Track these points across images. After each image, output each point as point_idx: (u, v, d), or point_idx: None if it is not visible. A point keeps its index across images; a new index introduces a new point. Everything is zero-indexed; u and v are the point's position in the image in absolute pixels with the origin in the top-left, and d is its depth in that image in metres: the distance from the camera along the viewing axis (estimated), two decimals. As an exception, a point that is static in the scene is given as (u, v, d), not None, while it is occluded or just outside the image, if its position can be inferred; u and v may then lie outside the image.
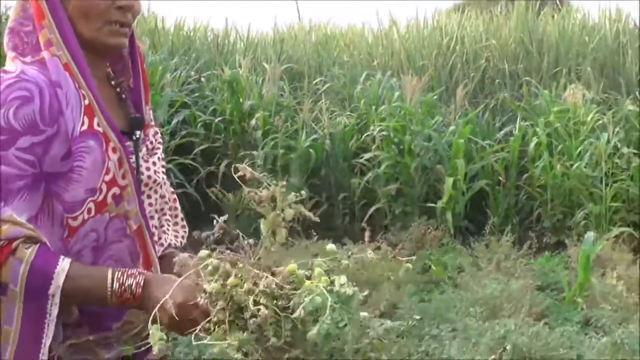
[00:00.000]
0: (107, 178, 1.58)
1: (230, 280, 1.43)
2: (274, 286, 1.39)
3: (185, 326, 1.48)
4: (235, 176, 1.50)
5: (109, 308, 1.58)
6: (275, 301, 1.39)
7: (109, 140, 1.59)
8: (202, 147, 7.40)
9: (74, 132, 1.54)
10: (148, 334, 1.50)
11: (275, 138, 7.11)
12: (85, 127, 1.56)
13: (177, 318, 1.46)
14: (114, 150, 1.60)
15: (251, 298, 1.39)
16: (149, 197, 1.76)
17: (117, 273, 1.55)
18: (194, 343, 1.45)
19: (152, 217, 1.77)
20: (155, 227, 1.81)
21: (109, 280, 1.54)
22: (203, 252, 1.52)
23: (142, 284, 1.54)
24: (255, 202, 1.49)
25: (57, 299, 1.51)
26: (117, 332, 1.66)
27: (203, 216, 6.36)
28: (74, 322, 1.61)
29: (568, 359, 3.84)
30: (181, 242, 1.90)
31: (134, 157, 1.69)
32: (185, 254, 1.58)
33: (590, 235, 5.14)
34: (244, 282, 1.42)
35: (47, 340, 1.52)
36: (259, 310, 1.38)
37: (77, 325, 1.62)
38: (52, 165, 1.54)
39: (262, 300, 1.39)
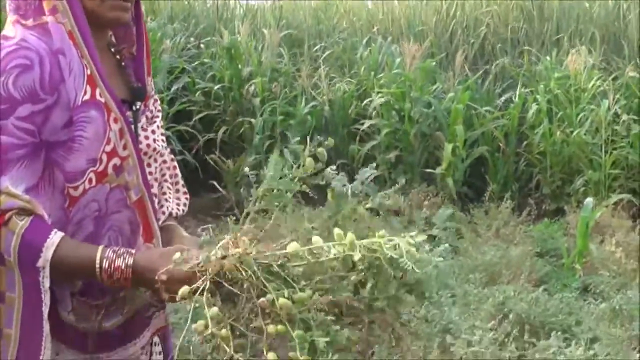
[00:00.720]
0: (108, 148, 1.57)
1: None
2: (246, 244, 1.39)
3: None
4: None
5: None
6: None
7: (111, 110, 1.57)
8: (200, 114, 7.35)
9: (75, 101, 1.52)
10: (150, 303, 1.54)
11: (274, 105, 7.06)
12: (87, 97, 1.54)
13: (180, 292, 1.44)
14: (115, 120, 1.58)
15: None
16: (148, 165, 1.76)
17: (106, 252, 1.53)
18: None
19: (152, 186, 1.76)
20: (156, 195, 1.80)
21: (98, 259, 1.52)
22: (205, 238, 1.56)
23: (130, 264, 1.52)
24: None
25: (47, 272, 1.50)
26: (119, 300, 1.65)
27: (202, 183, 6.34)
28: (78, 290, 1.61)
29: (566, 324, 3.86)
30: (183, 210, 1.89)
31: (133, 127, 1.67)
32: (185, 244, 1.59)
33: (589, 201, 5.13)
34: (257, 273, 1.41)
35: (45, 309, 1.51)
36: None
37: (82, 293, 1.62)
38: (53, 133, 1.52)
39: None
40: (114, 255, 1.52)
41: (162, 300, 1.55)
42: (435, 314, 3.93)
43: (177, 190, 1.93)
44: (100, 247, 1.54)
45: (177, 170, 1.95)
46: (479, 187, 6.49)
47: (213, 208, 6.44)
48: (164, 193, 1.87)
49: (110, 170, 1.58)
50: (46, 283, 1.50)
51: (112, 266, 1.51)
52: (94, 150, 1.55)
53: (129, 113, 1.67)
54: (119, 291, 1.64)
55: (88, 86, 1.54)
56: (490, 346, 3.50)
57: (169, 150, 1.90)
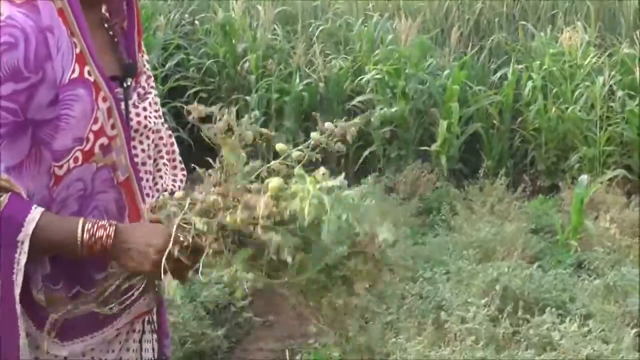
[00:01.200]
0: (95, 127, 1.55)
1: (214, 200, 1.44)
2: (270, 205, 1.38)
3: (173, 268, 1.46)
4: (189, 118, 1.51)
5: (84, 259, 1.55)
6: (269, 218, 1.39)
7: (100, 89, 1.55)
8: (195, 90, 7.30)
9: (62, 79, 1.50)
10: (128, 287, 1.51)
11: (268, 81, 7.02)
12: (75, 75, 1.51)
13: (160, 264, 1.44)
14: (104, 99, 1.56)
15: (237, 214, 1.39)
16: (140, 143, 1.72)
17: (87, 224, 1.52)
18: (201, 280, 1.44)
19: (144, 164, 1.73)
20: (149, 173, 1.77)
21: (79, 231, 1.50)
22: (178, 193, 1.55)
23: (112, 235, 1.51)
24: (213, 134, 1.50)
25: (25, 247, 1.48)
26: (97, 290, 1.60)
27: (196, 160, 6.31)
28: (47, 274, 1.58)
29: (561, 301, 3.86)
30: (179, 187, 1.86)
31: (123, 104, 1.65)
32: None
33: (584, 178, 5.13)
34: (232, 206, 1.42)
35: (17, 289, 1.49)
36: (253, 228, 1.38)
37: (53, 277, 1.59)
38: (38, 112, 1.49)
39: (260, 220, 1.38)
40: (95, 227, 1.51)
41: (149, 274, 1.52)
42: (429, 290, 3.95)
43: (174, 167, 1.91)
44: (82, 219, 1.53)
45: (175, 147, 1.92)
46: (474, 163, 6.47)
47: (208, 185, 6.40)
48: (159, 170, 1.84)
49: (97, 149, 1.57)
50: (22, 260, 1.48)
51: (94, 236, 1.50)
52: (80, 129, 1.53)
53: (119, 90, 1.64)
54: (98, 273, 1.61)
55: (76, 64, 1.52)
56: (484, 322, 3.51)
57: (166, 126, 1.87)
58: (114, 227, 1.52)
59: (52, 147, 1.51)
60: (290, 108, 6.88)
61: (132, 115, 1.69)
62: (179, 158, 1.93)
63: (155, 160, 1.83)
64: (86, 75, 1.53)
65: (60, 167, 1.53)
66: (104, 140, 1.57)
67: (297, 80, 6.97)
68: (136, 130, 1.70)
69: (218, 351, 3.88)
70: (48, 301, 1.58)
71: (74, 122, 1.51)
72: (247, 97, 7.04)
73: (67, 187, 1.56)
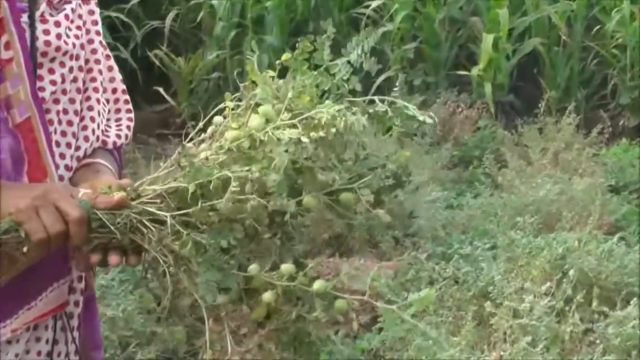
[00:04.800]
0: None
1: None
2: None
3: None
4: None
5: None
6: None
7: None
8: (139, -8, 7.27)
9: None
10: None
11: (243, -21, 6.98)
12: None
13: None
14: None
15: None
16: (50, 72, 1.71)
17: None
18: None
19: (56, 101, 1.72)
20: (64, 113, 1.75)
21: None
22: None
23: None
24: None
25: None
26: None
27: (143, 91, 6.29)
28: None
29: (651, 286, 3.85)
30: (126, 137, 1.87)
31: (26, 15, 1.63)
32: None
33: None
34: None
35: None
36: None
37: None
38: None
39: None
40: None
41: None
42: (468, 272, 3.94)
43: (118, 110, 1.90)
44: None
45: (116, 74, 1.91)
46: (531, 95, 6.45)
47: (158, 125, 6.40)
48: (91, 108, 1.81)
49: None
50: None
51: None
52: None
53: None
54: None
55: None
56: (544, 317, 3.50)
57: (103, 49, 1.86)
58: None
59: None
60: (274, 17, 6.83)
61: (39, 33, 1.68)
62: (124, 96, 1.91)
63: (86, 99, 1.81)
64: None
65: None
66: None
67: (283, -23, 6.92)
68: (44, 54, 1.69)
69: (173, 357, 3.88)
70: None
71: None
72: (214, 2, 6.98)
73: None
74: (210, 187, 1.46)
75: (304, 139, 1.43)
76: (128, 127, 1.88)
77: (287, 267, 1.46)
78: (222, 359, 1.49)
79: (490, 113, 6.20)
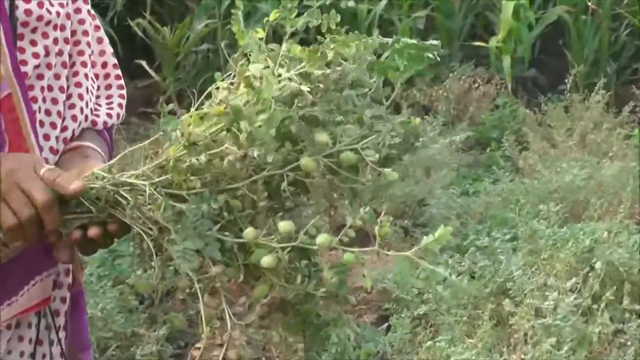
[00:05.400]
0: None
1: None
2: None
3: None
4: None
5: None
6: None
7: None
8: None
9: None
10: None
11: None
12: None
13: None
14: None
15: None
16: (32, 44, 1.72)
17: None
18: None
19: (39, 77, 1.73)
20: (48, 90, 1.76)
21: None
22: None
23: None
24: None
25: None
26: None
27: (124, 64, 6.27)
28: None
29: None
30: (118, 116, 1.90)
31: None
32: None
33: None
34: None
35: None
36: None
37: None
38: None
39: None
40: None
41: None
42: (485, 267, 3.94)
43: (109, 86, 1.92)
44: None
45: (106, 47, 1.92)
46: (555, 69, 6.46)
47: (141, 102, 6.39)
48: (79, 85, 1.83)
49: None
50: None
51: None
52: None
53: None
54: None
55: None
56: (570, 316, 3.50)
57: (91, 19, 1.87)
58: None
59: None
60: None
61: (18, 1, 1.69)
62: (115, 71, 1.93)
63: (73, 66, 1.82)
64: None
65: None
66: None
67: None
68: (25, 24, 1.70)
69: (158, 360, 3.90)
70: None
71: None
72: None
73: None
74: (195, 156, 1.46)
75: (304, 88, 1.44)
76: (120, 105, 1.89)
77: (284, 225, 1.44)
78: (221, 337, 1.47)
79: (510, 89, 6.19)
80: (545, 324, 3.46)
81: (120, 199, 1.50)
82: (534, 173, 4.95)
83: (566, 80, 5.98)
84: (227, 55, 6.03)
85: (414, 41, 1.55)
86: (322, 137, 1.45)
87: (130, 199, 1.48)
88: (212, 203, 1.44)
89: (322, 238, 1.44)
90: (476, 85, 6.12)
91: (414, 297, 3.91)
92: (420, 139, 4.54)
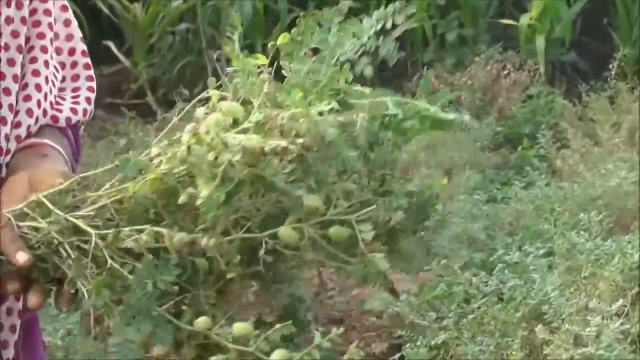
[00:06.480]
0: None
1: None
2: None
3: None
4: None
5: None
6: None
7: None
8: None
9: None
10: None
11: None
12: None
13: None
14: None
15: None
16: None
17: None
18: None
19: None
20: (9, 78, 1.76)
21: None
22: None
23: None
24: None
25: None
26: None
27: (89, 47, 6.29)
28: None
29: None
30: (85, 111, 1.89)
31: None
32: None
33: None
34: None
35: None
36: None
37: None
38: None
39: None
40: None
41: None
42: (515, 286, 3.95)
43: (76, 77, 1.91)
44: None
45: (74, 31, 1.92)
46: (599, 53, 6.48)
47: (108, 91, 6.41)
48: (37, 73, 1.81)
49: None
50: None
51: None
52: None
53: None
54: None
55: None
56: (615, 344, 3.51)
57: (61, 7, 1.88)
58: None
59: None
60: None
61: None
62: (84, 59, 1.92)
63: (31, 51, 1.81)
64: None
65: None
66: None
67: None
68: None
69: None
70: None
71: None
72: None
73: None
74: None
75: (267, 148, 1.37)
76: (87, 99, 1.89)
77: (240, 327, 1.40)
78: None
79: (545, 77, 6.20)
80: (587, 353, 3.48)
81: (62, 250, 1.49)
82: (573, 176, 4.96)
83: (611, 66, 6.01)
84: (209, 37, 6.09)
85: (431, 107, 1.47)
86: (312, 200, 1.39)
87: (71, 254, 1.47)
88: (161, 279, 1.40)
89: (278, 355, 1.38)
90: (505, 71, 6.15)
91: (431, 323, 3.92)
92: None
